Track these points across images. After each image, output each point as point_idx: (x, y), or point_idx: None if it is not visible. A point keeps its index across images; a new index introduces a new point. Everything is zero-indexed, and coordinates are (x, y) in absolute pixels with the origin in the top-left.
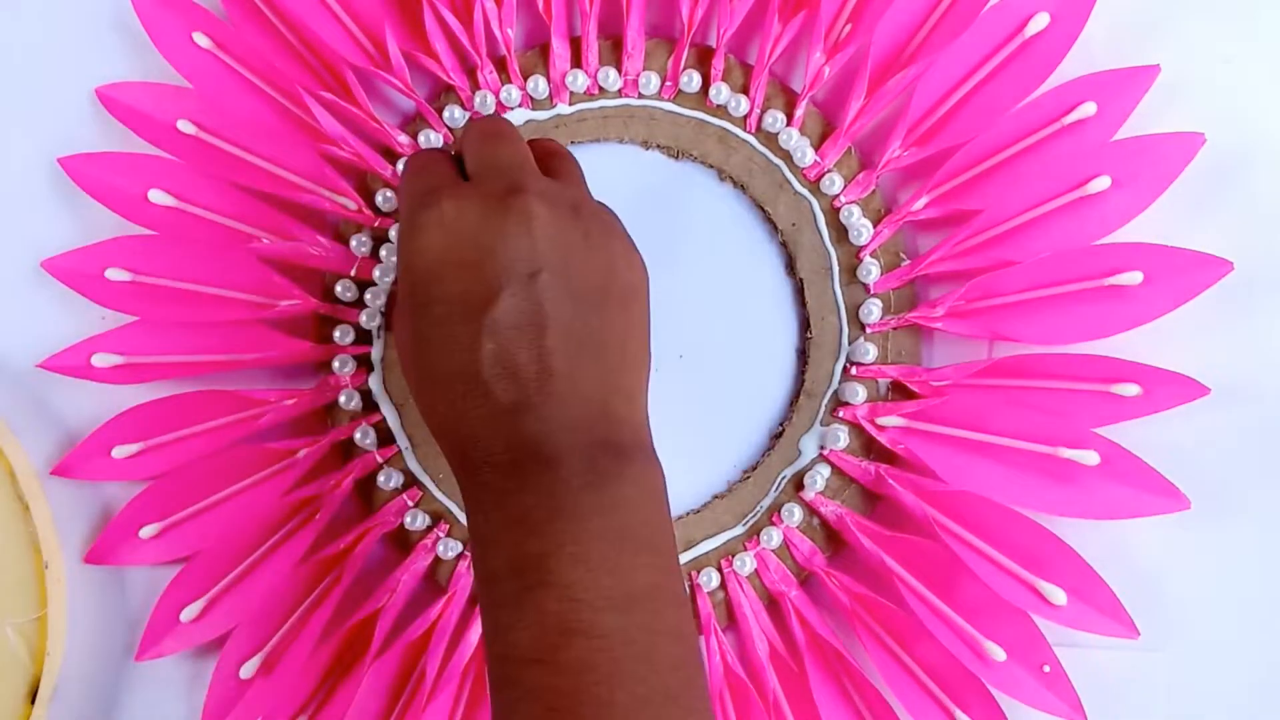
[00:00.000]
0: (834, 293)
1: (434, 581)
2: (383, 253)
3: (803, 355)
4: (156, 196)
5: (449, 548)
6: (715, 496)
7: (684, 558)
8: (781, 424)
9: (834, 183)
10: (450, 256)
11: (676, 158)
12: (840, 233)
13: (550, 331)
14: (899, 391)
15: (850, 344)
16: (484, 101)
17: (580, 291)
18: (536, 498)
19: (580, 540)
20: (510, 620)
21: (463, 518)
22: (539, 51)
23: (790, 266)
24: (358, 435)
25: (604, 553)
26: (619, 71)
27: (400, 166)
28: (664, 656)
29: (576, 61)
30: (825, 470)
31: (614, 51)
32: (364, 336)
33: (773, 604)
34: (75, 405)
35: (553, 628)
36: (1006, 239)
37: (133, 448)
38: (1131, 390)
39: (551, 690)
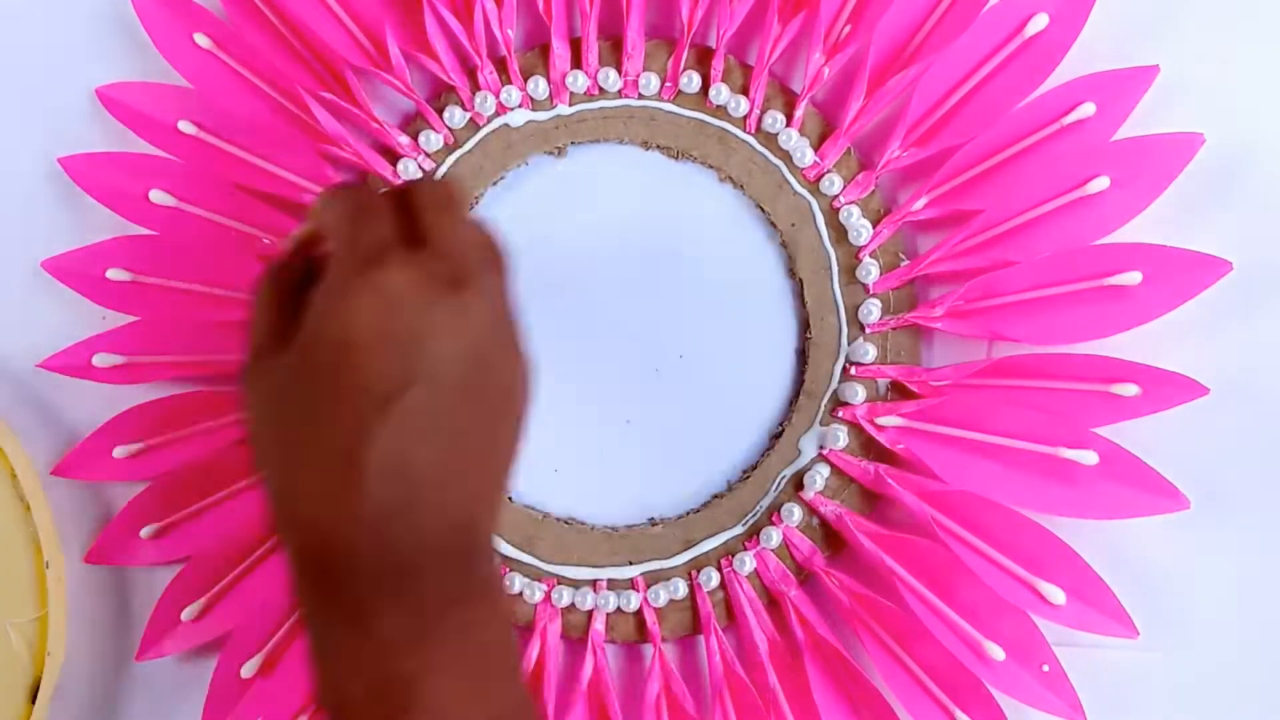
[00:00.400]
0: (833, 293)
1: None
2: None
3: (802, 355)
4: (157, 197)
5: None
6: (715, 496)
7: (684, 557)
8: (781, 424)
9: (833, 183)
10: (375, 331)
11: (676, 158)
12: (840, 233)
13: (448, 438)
14: (898, 391)
15: (850, 344)
16: (484, 102)
17: (487, 402)
18: (400, 615)
19: (447, 664)
20: None
21: None
22: (539, 52)
23: (790, 267)
24: None
25: (470, 675)
26: (619, 72)
27: (404, 173)
28: None
29: (576, 62)
30: (825, 470)
31: (614, 52)
32: None
33: (773, 603)
34: (75, 405)
35: None
36: (1006, 239)
37: (133, 448)
38: (1131, 390)
39: None
